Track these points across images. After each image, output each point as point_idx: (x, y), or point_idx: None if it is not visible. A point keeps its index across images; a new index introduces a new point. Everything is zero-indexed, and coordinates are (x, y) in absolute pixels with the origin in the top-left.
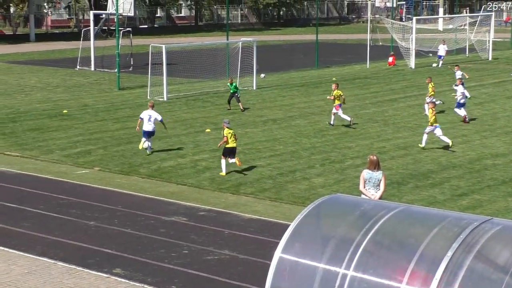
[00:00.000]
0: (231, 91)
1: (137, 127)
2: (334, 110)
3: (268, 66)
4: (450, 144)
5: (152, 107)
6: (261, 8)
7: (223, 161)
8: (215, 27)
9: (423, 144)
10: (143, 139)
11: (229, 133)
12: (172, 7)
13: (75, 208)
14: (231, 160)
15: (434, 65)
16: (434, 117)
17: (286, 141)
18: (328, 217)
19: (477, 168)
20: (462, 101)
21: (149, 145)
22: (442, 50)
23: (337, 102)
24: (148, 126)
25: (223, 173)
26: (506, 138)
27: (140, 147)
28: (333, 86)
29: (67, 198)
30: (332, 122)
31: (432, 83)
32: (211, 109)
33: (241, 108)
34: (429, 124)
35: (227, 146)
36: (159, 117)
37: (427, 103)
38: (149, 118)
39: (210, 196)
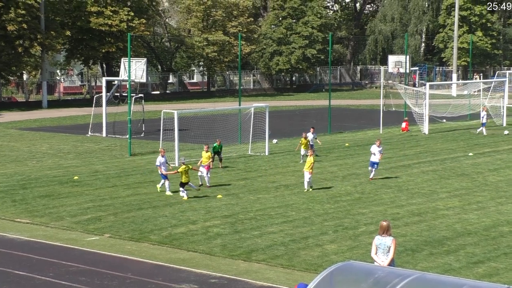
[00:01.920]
0: (216, 150)
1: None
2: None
3: (281, 131)
4: None
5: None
6: (273, 74)
7: (181, 189)
8: (227, 93)
9: None
10: (162, 181)
11: (184, 169)
12: (184, 73)
13: (84, 276)
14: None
15: (506, 132)
16: None
17: (298, 207)
18: (341, 284)
19: (493, 235)
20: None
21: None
22: (484, 117)
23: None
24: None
25: (168, 193)
26: None
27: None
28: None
29: (77, 266)
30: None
31: None
32: (222, 175)
33: (220, 166)
34: None
35: (182, 180)
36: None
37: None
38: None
39: (221, 263)
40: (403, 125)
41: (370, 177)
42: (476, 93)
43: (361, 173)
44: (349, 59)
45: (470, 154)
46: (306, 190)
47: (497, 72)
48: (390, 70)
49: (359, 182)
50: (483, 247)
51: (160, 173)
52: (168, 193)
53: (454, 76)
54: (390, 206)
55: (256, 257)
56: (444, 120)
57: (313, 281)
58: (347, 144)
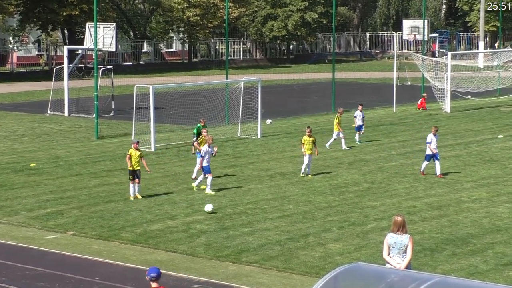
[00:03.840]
0: (198, 132)
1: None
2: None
3: (276, 110)
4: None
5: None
6: (267, 41)
7: (130, 185)
8: (212, 64)
9: None
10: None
11: (133, 153)
12: (161, 41)
13: (43, 280)
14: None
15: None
16: None
17: (297, 200)
18: None
19: None
20: None
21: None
22: None
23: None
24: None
25: (131, 196)
26: None
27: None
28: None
29: (35, 268)
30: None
31: None
32: None
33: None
34: None
35: (129, 168)
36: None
37: None
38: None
39: (205, 266)
40: (419, 101)
41: (422, 170)
42: (507, 64)
43: (371, 159)
44: (356, 24)
45: (500, 136)
46: (302, 175)
47: None
48: (405, 37)
49: (368, 169)
50: None
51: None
52: (208, 191)
53: (481, 44)
54: (405, 198)
55: (247, 258)
56: (469, 96)
57: (314, 287)
58: (353, 125)
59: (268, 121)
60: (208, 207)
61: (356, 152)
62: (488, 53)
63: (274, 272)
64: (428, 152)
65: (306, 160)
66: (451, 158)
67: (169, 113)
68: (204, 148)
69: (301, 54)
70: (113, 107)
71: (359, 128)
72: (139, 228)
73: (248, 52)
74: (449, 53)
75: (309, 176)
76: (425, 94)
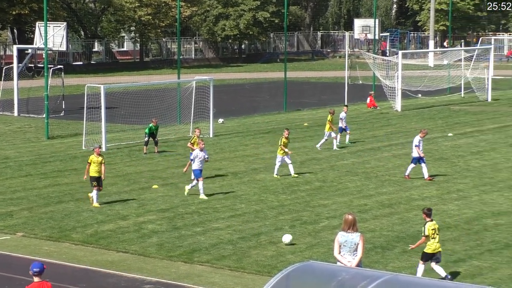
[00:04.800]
0: (151, 132)
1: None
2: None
3: (228, 109)
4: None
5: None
6: (219, 41)
7: (94, 192)
8: (164, 64)
9: None
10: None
11: (94, 160)
12: (112, 41)
13: None
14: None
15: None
16: None
17: (249, 199)
18: None
19: (476, 229)
20: None
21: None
22: None
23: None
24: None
25: (95, 203)
26: (510, 193)
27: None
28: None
29: None
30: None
31: None
32: (159, 161)
33: (156, 151)
34: None
35: (90, 174)
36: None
37: None
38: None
39: (157, 266)
40: (368, 100)
41: (406, 174)
42: (456, 63)
43: (323, 158)
44: (308, 23)
45: (450, 134)
46: (276, 176)
47: (480, 39)
48: (356, 36)
49: (319, 168)
50: (464, 243)
51: (199, 168)
52: (202, 196)
53: (431, 43)
54: (356, 196)
55: (199, 258)
56: (420, 95)
57: (266, 286)
58: (305, 124)
59: (220, 120)
60: (287, 238)
61: (308, 151)
62: (438, 52)
63: (226, 271)
64: (415, 155)
65: (288, 160)
66: (402, 156)
67: (120, 113)
68: (195, 152)
69: (253, 53)
70: (63, 107)
71: (342, 130)
72: (90, 229)
73: (200, 52)
74: (400, 52)
75: (295, 175)
76: (372, 92)
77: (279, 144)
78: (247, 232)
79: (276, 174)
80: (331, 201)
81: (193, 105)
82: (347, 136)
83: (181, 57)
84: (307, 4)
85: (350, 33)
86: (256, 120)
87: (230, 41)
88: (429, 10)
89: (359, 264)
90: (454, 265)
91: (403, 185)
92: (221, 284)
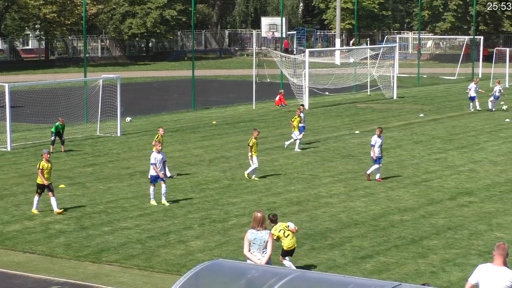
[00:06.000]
0: (57, 131)
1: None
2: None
3: (136, 108)
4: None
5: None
6: (126, 39)
7: (36, 198)
8: (70, 62)
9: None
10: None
11: (45, 166)
12: (16, 39)
13: None
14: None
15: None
16: None
17: (157, 198)
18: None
19: (383, 225)
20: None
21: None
22: (472, 91)
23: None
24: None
25: (34, 210)
26: (415, 189)
27: None
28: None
29: None
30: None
31: None
32: (66, 160)
33: (63, 150)
34: None
35: (39, 182)
36: None
37: None
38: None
39: (65, 266)
40: (277, 98)
41: (368, 172)
42: (362, 61)
43: (231, 156)
44: (215, 21)
45: (357, 132)
46: (253, 177)
47: (386, 37)
48: (263, 34)
49: (228, 166)
50: (372, 240)
51: (155, 174)
52: (153, 202)
53: (338, 41)
54: (265, 194)
55: (107, 257)
56: (327, 93)
57: (175, 285)
58: (214, 122)
59: (128, 119)
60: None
61: (216, 149)
62: (344, 51)
63: (135, 271)
64: (377, 154)
65: (255, 162)
66: (310, 154)
67: (26, 112)
68: (153, 155)
69: (160, 51)
70: None
71: (302, 130)
72: None
73: (107, 50)
74: (307, 50)
75: (255, 178)
76: (282, 90)
77: (248, 145)
78: (156, 231)
79: (255, 176)
80: (240, 199)
81: (100, 104)
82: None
83: (87, 55)
84: (214, 2)
85: (257, 31)
86: (165, 119)
87: (137, 39)
88: (335, 9)
89: (268, 262)
90: (361, 261)
91: (311, 182)
92: (130, 283)
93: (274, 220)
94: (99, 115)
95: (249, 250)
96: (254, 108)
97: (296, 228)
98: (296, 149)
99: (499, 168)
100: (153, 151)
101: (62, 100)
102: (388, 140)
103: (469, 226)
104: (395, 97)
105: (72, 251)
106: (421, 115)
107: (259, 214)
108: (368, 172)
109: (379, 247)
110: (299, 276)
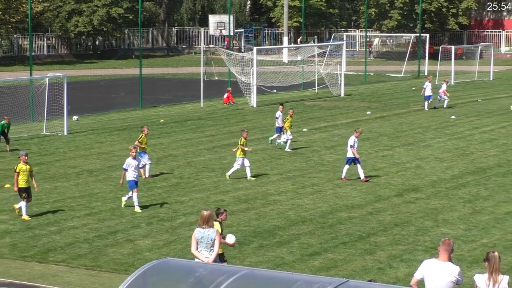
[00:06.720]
0: (2, 130)
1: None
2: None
3: (82, 106)
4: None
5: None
6: (72, 37)
7: (23, 203)
8: (15, 61)
9: None
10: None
11: (22, 169)
12: None
13: None
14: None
15: (480, 99)
16: None
17: (105, 197)
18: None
19: (330, 223)
20: None
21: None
22: (428, 89)
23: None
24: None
25: (24, 216)
26: (362, 186)
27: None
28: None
29: None
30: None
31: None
32: (11, 159)
33: (8, 149)
34: None
35: (20, 185)
36: None
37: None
38: None
39: (10, 267)
40: (225, 96)
41: (343, 176)
42: (310, 59)
43: (179, 154)
44: (163, 19)
45: (304, 129)
46: (249, 177)
47: (333, 35)
48: (211, 32)
49: (176, 165)
50: (320, 237)
51: (133, 179)
52: (137, 209)
53: (285, 39)
54: (213, 192)
55: (54, 257)
56: (275, 91)
57: (123, 284)
58: (162, 120)
59: (75, 117)
60: (232, 238)
61: (164, 148)
62: (292, 48)
63: (82, 270)
64: (350, 155)
65: (247, 162)
66: (258, 152)
67: None
68: (128, 160)
69: (107, 49)
70: None
71: (280, 129)
72: None
73: (53, 48)
74: (255, 48)
75: (251, 178)
76: (230, 88)
77: (239, 144)
78: (104, 230)
79: (229, 175)
80: (188, 197)
81: (46, 103)
82: (275, 136)
83: (33, 53)
84: (162, 0)
85: (205, 29)
86: (112, 117)
87: (84, 37)
88: (283, 7)
89: (216, 260)
90: (309, 258)
91: (260, 180)
92: (77, 283)
93: (217, 214)
94: (45, 114)
95: (197, 249)
96: (202, 106)
97: (235, 244)
98: (287, 148)
99: (445, 165)
100: (129, 157)
101: (7, 99)
102: (335, 137)
103: (415, 223)
104: (342, 95)
105: (18, 251)
106: (368, 112)
107: (205, 212)
108: (343, 175)
109: (327, 244)
110: (248, 273)
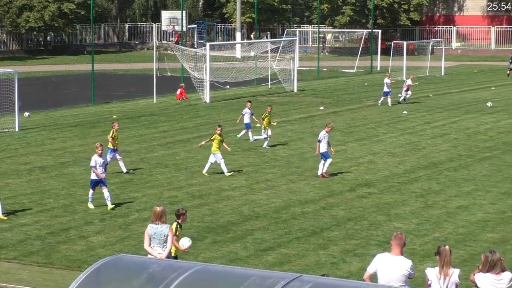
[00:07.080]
0: None
1: None
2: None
3: (34, 102)
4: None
5: None
6: (23, 33)
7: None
8: None
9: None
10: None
11: None
12: None
13: None
14: None
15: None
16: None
17: (57, 193)
18: (109, 282)
19: (284, 218)
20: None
21: None
22: (386, 86)
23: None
24: None
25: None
26: (316, 182)
27: None
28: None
29: None
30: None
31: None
32: None
33: None
34: None
35: None
36: None
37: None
38: None
39: None
40: (178, 92)
41: (319, 173)
42: (263, 55)
43: (132, 151)
44: (115, 15)
45: (258, 125)
46: (228, 174)
47: (286, 31)
48: (164, 28)
49: (129, 161)
50: (273, 232)
51: (96, 178)
52: (90, 205)
53: (238, 35)
54: (166, 188)
55: (6, 255)
56: (228, 86)
57: (76, 281)
58: (114, 116)
59: (26, 114)
60: (186, 243)
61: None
62: (245, 44)
63: (34, 267)
64: (322, 150)
65: (219, 158)
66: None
67: None
68: (94, 157)
69: (59, 45)
70: None
71: (248, 126)
72: None
73: (3, 44)
74: (208, 44)
75: (228, 174)
76: (183, 84)
77: (212, 139)
78: (56, 227)
79: (206, 172)
80: (141, 193)
81: None
82: (243, 132)
83: None
84: None
85: (157, 25)
86: (64, 113)
87: (35, 33)
88: (236, 2)
89: (169, 256)
90: (263, 253)
91: (213, 176)
92: (30, 280)
93: (177, 216)
94: None
95: (150, 245)
96: (155, 102)
97: (187, 249)
98: (265, 145)
99: (397, 160)
100: (95, 155)
101: None
102: (289, 133)
103: (368, 217)
104: (295, 90)
105: None
106: (321, 108)
107: (158, 208)
108: (319, 173)
109: (281, 239)
110: (201, 269)
